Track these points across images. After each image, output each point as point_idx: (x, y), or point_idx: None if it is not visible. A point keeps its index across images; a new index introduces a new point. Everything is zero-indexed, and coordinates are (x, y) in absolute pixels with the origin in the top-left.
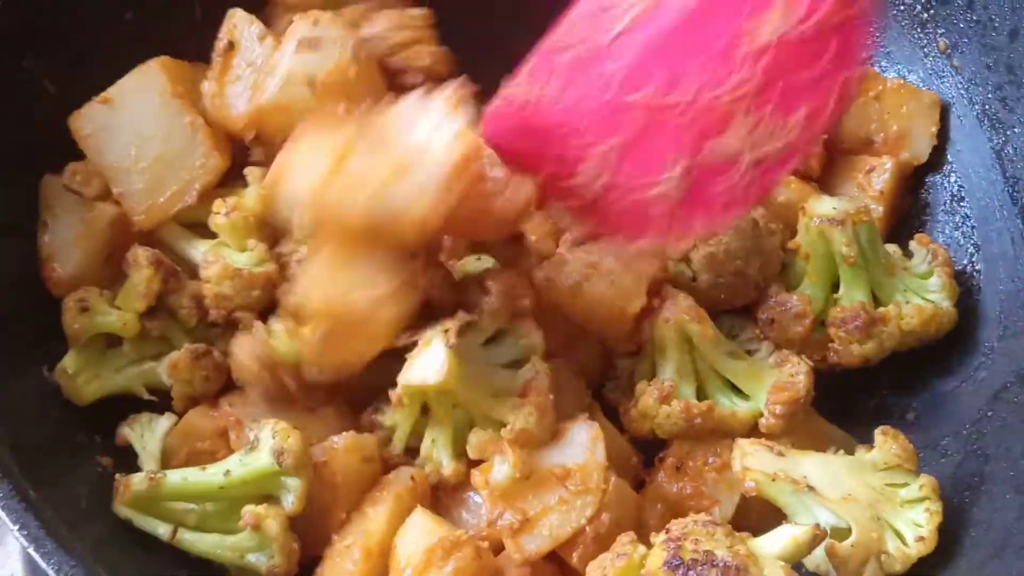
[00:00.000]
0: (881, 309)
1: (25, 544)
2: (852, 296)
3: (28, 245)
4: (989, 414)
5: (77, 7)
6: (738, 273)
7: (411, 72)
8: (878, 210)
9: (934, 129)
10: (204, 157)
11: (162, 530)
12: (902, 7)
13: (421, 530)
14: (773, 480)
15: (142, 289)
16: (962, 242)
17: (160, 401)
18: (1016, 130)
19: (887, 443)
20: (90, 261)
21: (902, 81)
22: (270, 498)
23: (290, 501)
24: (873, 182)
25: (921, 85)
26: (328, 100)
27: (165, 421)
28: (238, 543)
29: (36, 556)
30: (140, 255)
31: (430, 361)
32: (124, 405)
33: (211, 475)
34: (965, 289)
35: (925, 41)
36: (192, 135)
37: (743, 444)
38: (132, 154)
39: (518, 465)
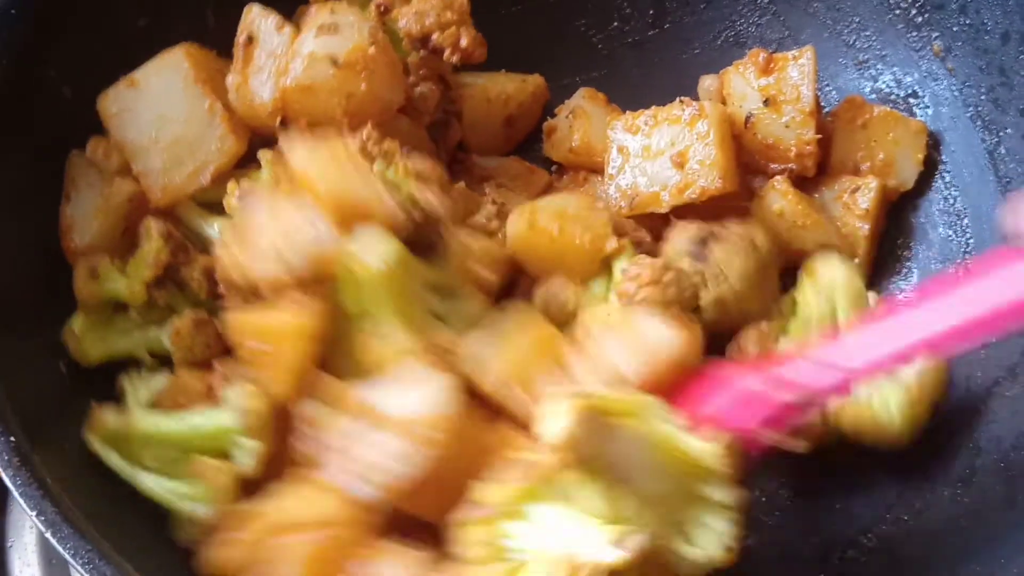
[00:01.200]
0: None
1: (43, 529)
2: None
3: (50, 217)
4: (981, 408)
5: (94, 14)
6: (742, 313)
7: (450, 51)
8: (864, 228)
9: (920, 156)
10: (220, 140)
11: (124, 467)
12: (897, 11)
13: None
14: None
15: (151, 259)
16: (955, 240)
17: (162, 367)
18: (1008, 131)
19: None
20: (107, 233)
21: (888, 109)
22: (231, 456)
23: (246, 462)
24: (859, 201)
25: (917, 87)
26: (350, 78)
27: (161, 377)
28: (191, 492)
29: (53, 541)
30: (152, 226)
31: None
32: None
33: (178, 423)
34: None
35: (920, 44)
36: (210, 118)
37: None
38: (152, 134)
39: None
